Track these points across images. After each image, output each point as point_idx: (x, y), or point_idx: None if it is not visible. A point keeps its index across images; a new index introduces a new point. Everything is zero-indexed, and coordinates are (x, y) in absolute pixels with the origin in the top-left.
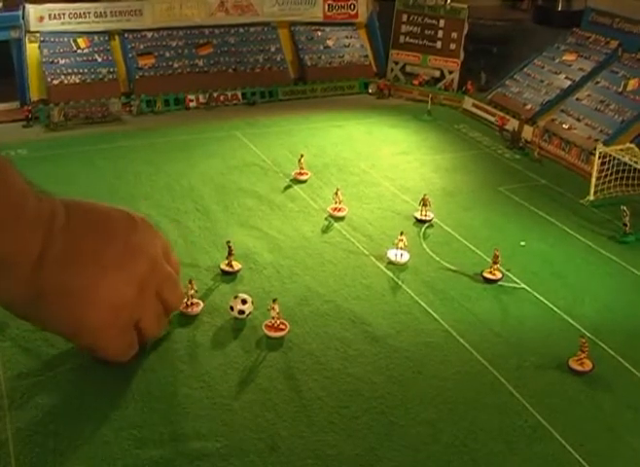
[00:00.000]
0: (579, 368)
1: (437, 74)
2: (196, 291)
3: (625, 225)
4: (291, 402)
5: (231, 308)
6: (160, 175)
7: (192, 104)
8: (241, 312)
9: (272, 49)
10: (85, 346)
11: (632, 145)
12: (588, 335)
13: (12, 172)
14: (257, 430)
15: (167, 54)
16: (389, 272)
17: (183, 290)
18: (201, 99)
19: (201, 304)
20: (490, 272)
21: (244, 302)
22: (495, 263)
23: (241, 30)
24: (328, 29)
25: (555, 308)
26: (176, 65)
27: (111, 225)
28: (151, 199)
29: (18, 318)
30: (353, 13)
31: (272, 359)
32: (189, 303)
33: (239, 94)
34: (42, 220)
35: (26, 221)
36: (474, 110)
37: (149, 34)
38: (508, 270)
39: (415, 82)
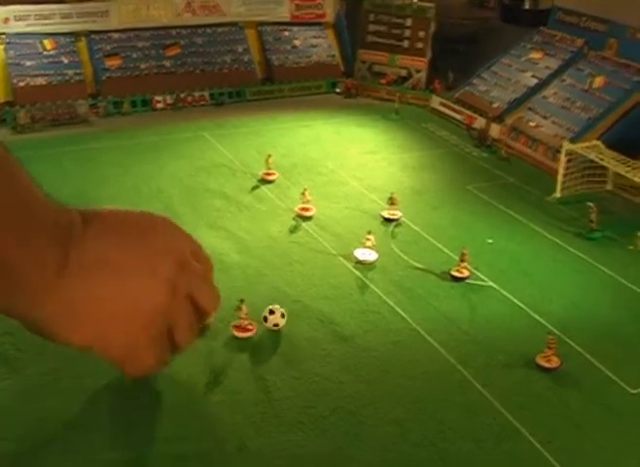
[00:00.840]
0: (546, 365)
1: (404, 73)
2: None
3: (592, 221)
4: (259, 402)
5: (265, 320)
6: (127, 177)
7: (159, 105)
8: (276, 325)
9: (240, 49)
10: (113, 361)
11: (598, 142)
12: (556, 332)
13: (20, 173)
14: (225, 431)
15: (134, 55)
16: (357, 272)
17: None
18: (169, 100)
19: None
20: (458, 271)
21: (283, 315)
22: (462, 261)
23: (208, 31)
24: (295, 29)
25: (523, 306)
26: (143, 66)
27: (131, 231)
28: (118, 202)
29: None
30: (320, 12)
31: (240, 360)
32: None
33: (207, 95)
34: (59, 228)
35: (42, 229)
36: (441, 109)
37: (115, 35)
38: (475, 269)
39: (383, 81)
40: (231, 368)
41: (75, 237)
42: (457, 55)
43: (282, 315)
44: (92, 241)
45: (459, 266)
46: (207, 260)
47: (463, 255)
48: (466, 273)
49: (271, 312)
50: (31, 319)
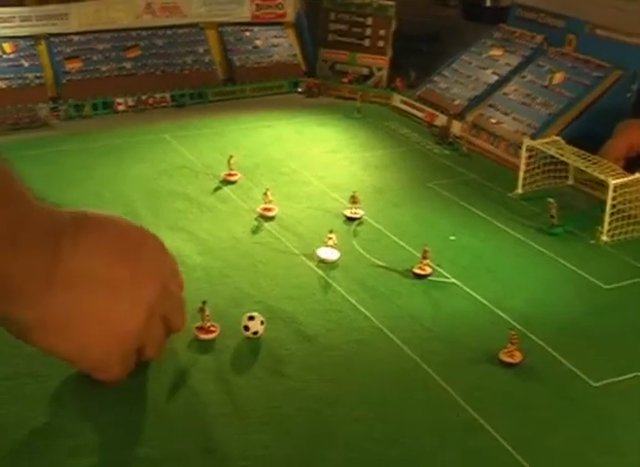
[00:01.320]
0: (509, 360)
1: (366, 72)
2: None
3: (553, 217)
4: (223, 404)
5: (246, 328)
6: (89, 181)
7: (120, 108)
8: (255, 333)
9: (201, 50)
10: (83, 369)
11: (558, 138)
12: (519, 327)
13: (13, 179)
14: (190, 434)
15: (95, 58)
16: (320, 271)
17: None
18: (130, 102)
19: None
20: (420, 268)
21: (262, 323)
22: (425, 258)
23: (169, 32)
24: (256, 29)
25: (486, 302)
26: (104, 69)
27: (122, 245)
28: (81, 206)
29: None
30: (281, 12)
31: (204, 362)
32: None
33: (168, 97)
34: (50, 236)
35: (33, 237)
36: (403, 107)
37: (75, 38)
38: (438, 266)
39: (344, 80)
40: (195, 369)
41: (65, 248)
42: (419, 53)
43: (262, 323)
44: (83, 252)
45: (421, 263)
46: (181, 283)
47: (425, 252)
48: (428, 270)
49: (251, 318)
50: (16, 321)
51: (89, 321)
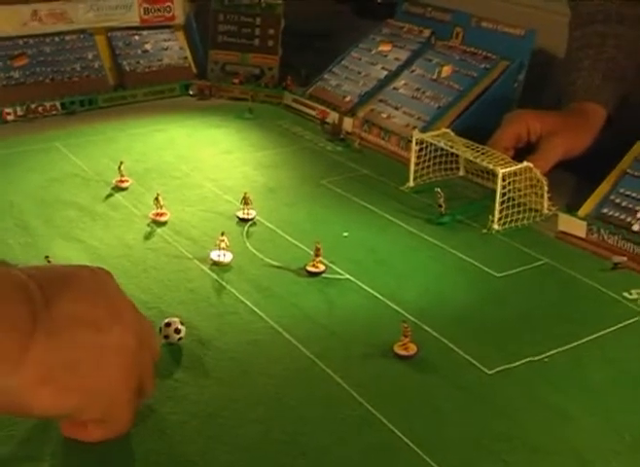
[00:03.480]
0: (403, 352)
1: (257, 71)
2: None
3: (440, 206)
4: None
5: (166, 338)
6: None
7: (9, 118)
8: (180, 337)
9: (90, 56)
10: (93, 421)
11: (448, 130)
12: (413, 319)
13: None
14: (84, 444)
15: None
16: (213, 274)
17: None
18: (19, 112)
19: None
20: (313, 266)
21: (177, 331)
22: (317, 256)
23: (57, 39)
24: (145, 33)
25: (380, 296)
26: None
27: (80, 283)
28: None
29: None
30: (169, 15)
31: None
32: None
33: (58, 105)
34: (18, 290)
35: (11, 292)
36: (295, 105)
37: None
38: (332, 262)
39: (236, 80)
40: None
41: (36, 297)
42: (311, 51)
43: (181, 323)
44: (57, 299)
45: (314, 261)
46: (155, 344)
47: (317, 250)
48: (322, 268)
49: (168, 325)
50: (2, 389)
51: (85, 366)
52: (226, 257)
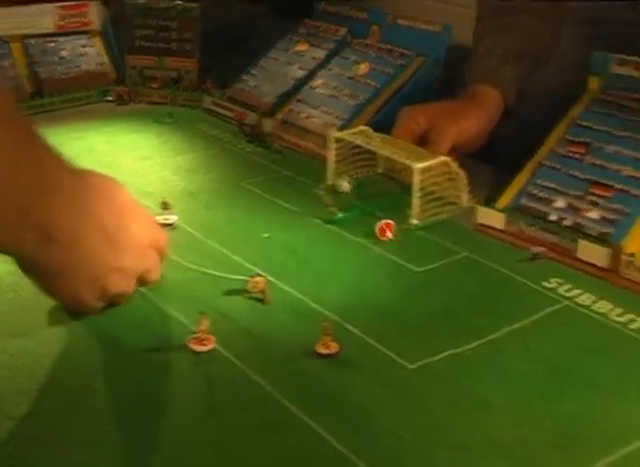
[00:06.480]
0: (325, 351)
1: (175, 75)
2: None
3: (328, 205)
4: (29, 428)
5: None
6: None
7: None
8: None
9: (5, 64)
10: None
11: (366, 127)
12: (336, 317)
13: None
14: None
15: None
16: None
17: None
18: None
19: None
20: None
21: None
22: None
23: None
24: (62, 40)
25: (302, 296)
26: None
27: (96, 178)
28: None
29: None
30: (86, 21)
31: None
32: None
33: None
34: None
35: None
36: (214, 108)
37: None
38: (253, 264)
39: (154, 85)
40: None
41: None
42: (229, 53)
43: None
44: (74, 176)
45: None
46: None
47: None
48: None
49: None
50: (27, 240)
51: (119, 237)
52: None
